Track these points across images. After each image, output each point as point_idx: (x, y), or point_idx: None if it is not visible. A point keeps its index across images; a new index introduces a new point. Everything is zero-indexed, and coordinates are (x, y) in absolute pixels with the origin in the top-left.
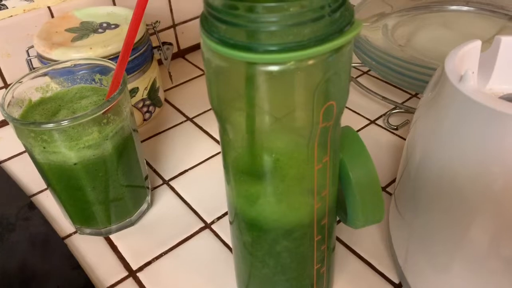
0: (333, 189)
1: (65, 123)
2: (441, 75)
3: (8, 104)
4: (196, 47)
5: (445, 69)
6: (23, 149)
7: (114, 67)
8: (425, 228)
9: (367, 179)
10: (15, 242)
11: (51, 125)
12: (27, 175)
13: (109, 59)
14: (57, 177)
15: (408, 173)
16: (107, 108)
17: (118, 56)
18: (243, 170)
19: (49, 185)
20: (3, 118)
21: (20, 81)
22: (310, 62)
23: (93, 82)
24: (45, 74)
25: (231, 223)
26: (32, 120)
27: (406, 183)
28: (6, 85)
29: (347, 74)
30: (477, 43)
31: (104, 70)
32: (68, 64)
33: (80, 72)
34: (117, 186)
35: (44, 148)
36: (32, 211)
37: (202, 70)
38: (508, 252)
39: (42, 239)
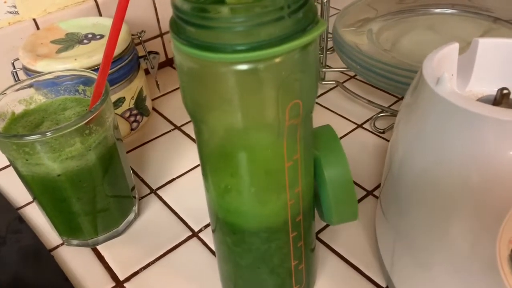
0: (307, 186)
1: (47, 134)
2: (419, 78)
3: None
4: None
5: (423, 72)
6: (7, 162)
7: (94, 76)
8: (409, 231)
9: (341, 178)
10: (4, 255)
11: (33, 137)
12: (14, 188)
13: (94, 70)
14: (42, 189)
15: (391, 176)
16: (89, 119)
17: None
18: (217, 168)
19: (35, 197)
20: None
21: (4, 93)
22: (276, 60)
23: (76, 93)
24: (29, 86)
25: (213, 231)
26: (13, 133)
27: (389, 186)
28: None
29: (313, 74)
30: (455, 46)
31: (87, 81)
32: (51, 75)
33: (64, 84)
34: (103, 196)
35: (26, 160)
36: (20, 224)
37: None
38: (489, 252)
39: (30, 252)
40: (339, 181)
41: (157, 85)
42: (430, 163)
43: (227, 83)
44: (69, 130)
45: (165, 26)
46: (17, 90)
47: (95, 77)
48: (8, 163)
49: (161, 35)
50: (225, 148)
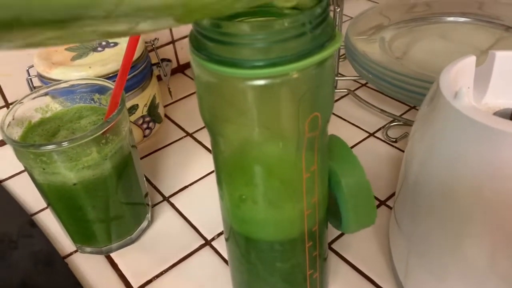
0: (322, 196)
1: (64, 144)
2: (436, 90)
3: (8, 125)
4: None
5: (440, 86)
6: (21, 168)
7: (112, 86)
8: (424, 241)
9: (358, 184)
10: (16, 261)
11: (50, 146)
12: (28, 193)
13: (108, 78)
14: (57, 197)
15: (406, 186)
16: (106, 129)
17: (117, 75)
18: (233, 178)
19: (49, 204)
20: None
21: (21, 101)
22: (294, 75)
23: (92, 101)
24: (45, 94)
25: (226, 239)
26: (31, 142)
27: (404, 196)
28: (7, 104)
29: (330, 86)
30: (472, 59)
31: (102, 90)
32: (66, 84)
33: (79, 92)
34: (117, 204)
35: (43, 169)
36: (33, 230)
37: None
38: (506, 267)
39: (43, 258)
40: (357, 189)
41: (170, 92)
42: (446, 175)
43: (246, 97)
44: (86, 140)
45: (177, 33)
46: (34, 98)
47: (111, 86)
48: (22, 169)
49: (173, 41)
50: (242, 160)
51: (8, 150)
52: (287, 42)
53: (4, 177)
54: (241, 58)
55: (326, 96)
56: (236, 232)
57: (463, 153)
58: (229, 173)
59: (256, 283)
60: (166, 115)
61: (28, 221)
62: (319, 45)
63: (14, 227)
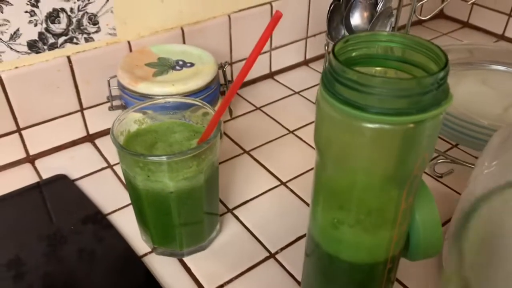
0: (408, 224)
1: (172, 157)
2: (507, 138)
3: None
4: (246, 83)
5: None
6: (94, 169)
7: (201, 105)
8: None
9: (431, 220)
10: (96, 259)
11: (160, 158)
12: (99, 194)
13: (187, 95)
14: (152, 202)
15: (464, 221)
16: (207, 146)
17: (195, 92)
18: (334, 202)
19: (140, 208)
20: (74, 138)
21: (127, 111)
22: (411, 125)
23: (183, 118)
24: (146, 108)
25: (307, 255)
26: (146, 153)
27: (463, 230)
28: (81, 109)
29: (437, 133)
30: None
31: (194, 109)
32: (163, 100)
33: (172, 108)
34: (200, 213)
35: (148, 176)
36: (109, 230)
37: (255, 106)
38: None
39: (122, 257)
40: (430, 224)
41: (230, 110)
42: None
43: (363, 136)
44: (189, 155)
45: (236, 56)
46: (135, 111)
47: (200, 105)
48: (92, 170)
49: (231, 63)
50: (349, 189)
51: (77, 150)
52: (413, 97)
53: (75, 177)
54: (369, 104)
55: (434, 141)
56: (324, 251)
57: None
58: (330, 196)
59: None
60: (224, 132)
61: (104, 221)
62: (437, 102)
63: (91, 226)
